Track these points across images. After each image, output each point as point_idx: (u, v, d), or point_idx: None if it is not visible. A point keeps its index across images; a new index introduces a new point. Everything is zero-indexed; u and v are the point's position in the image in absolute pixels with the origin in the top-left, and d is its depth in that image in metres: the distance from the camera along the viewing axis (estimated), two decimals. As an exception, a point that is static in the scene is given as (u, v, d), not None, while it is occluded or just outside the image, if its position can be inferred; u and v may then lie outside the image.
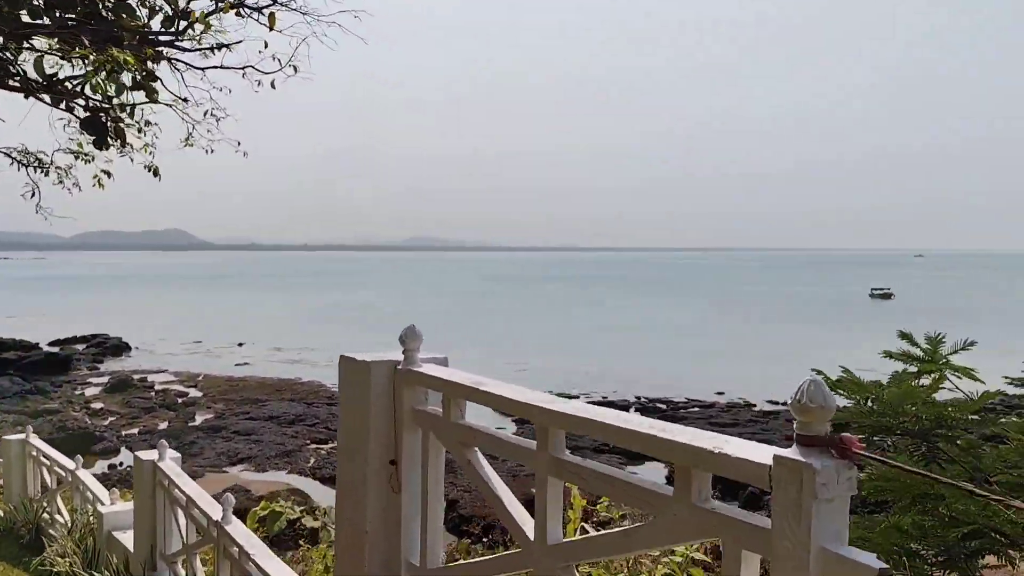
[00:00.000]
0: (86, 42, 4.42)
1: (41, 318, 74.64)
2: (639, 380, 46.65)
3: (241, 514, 20.90)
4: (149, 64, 5.01)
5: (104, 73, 4.25)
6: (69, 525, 7.78)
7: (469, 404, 2.52)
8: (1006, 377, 5.61)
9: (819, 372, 5.51)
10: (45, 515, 8.75)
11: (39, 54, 5.10)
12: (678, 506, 1.75)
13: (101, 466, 27.70)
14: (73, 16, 4.99)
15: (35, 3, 4.86)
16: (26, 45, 5.31)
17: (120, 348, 54.68)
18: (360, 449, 2.81)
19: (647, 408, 41.12)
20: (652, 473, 22.10)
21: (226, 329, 67.58)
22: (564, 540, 2.12)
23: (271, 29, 6.13)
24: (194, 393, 40.26)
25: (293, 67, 6.38)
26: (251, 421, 33.91)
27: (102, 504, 6.98)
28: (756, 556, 1.65)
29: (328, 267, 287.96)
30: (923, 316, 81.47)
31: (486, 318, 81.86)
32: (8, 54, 5.47)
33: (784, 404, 41.39)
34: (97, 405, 36.82)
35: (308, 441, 31.54)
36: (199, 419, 34.63)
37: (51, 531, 8.18)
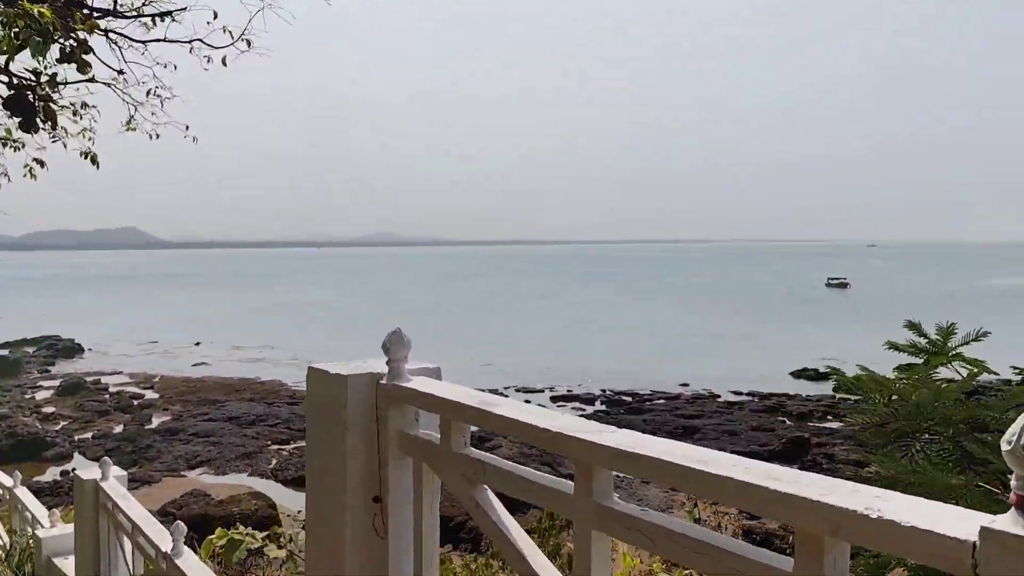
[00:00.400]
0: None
1: (-12, 320, 72.08)
2: (602, 373, 46.40)
3: (201, 521, 20.19)
4: (80, 35, 4.40)
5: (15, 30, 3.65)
6: (7, 548, 7.11)
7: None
8: (1014, 367, 5.27)
9: (835, 371, 5.09)
10: (-20, 538, 8.05)
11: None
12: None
13: (53, 472, 26.64)
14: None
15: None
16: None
17: (72, 350, 52.98)
18: (335, 483, 2.28)
19: (612, 400, 40.92)
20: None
21: (183, 328, 65.96)
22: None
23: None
24: (150, 395, 39.08)
25: (246, 41, 5.76)
26: (210, 422, 32.95)
27: (41, 527, 6.34)
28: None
29: (287, 264, 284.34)
30: (882, 305, 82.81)
31: (444, 314, 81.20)
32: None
33: (748, 395, 41.58)
34: (49, 409, 35.54)
35: (269, 442, 30.72)
36: (156, 422, 33.57)
37: (-13, 555, 7.50)
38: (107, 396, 38.35)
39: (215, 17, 5.54)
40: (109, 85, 5.92)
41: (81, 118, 6.08)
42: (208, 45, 5.76)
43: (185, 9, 5.62)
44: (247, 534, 4.19)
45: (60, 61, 4.68)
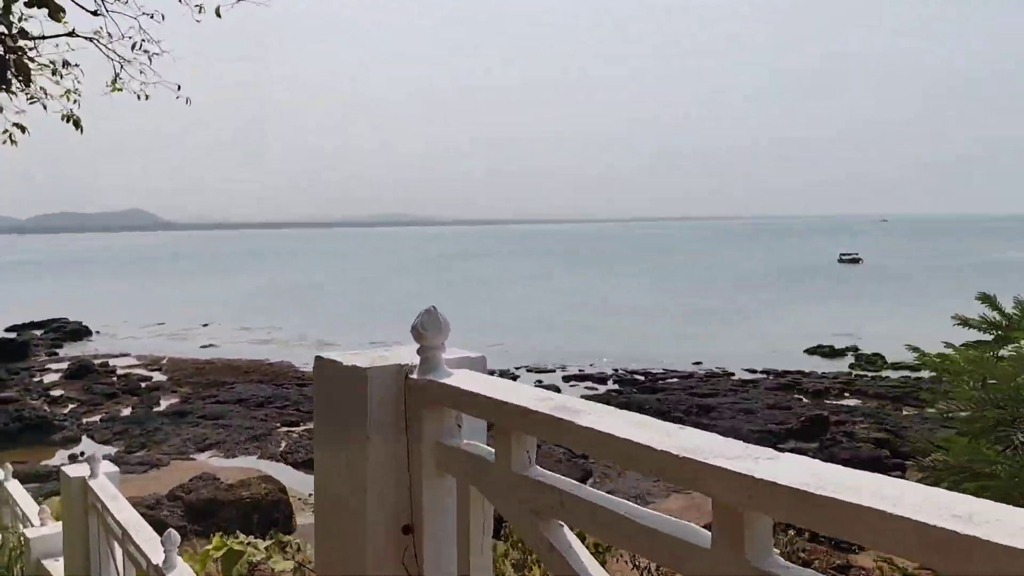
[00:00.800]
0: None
1: (-4, 303, 71.96)
2: (613, 352, 45.86)
3: (211, 506, 19.82)
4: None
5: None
6: (-3, 547, 6.68)
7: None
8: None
9: (915, 349, 4.54)
10: (-27, 531, 7.60)
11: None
12: None
13: (61, 456, 26.35)
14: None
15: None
16: None
17: (80, 332, 52.75)
18: (352, 507, 1.75)
19: (625, 380, 40.43)
20: None
21: (190, 310, 65.62)
22: None
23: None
24: (158, 377, 38.79)
25: (241, -10, 5.19)
26: (219, 405, 32.63)
27: (30, 524, 5.88)
28: None
29: (296, 245, 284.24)
30: (895, 280, 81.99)
31: (451, 294, 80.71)
32: None
33: (762, 372, 41.03)
34: (56, 392, 35.28)
35: (278, 424, 30.39)
36: (164, 404, 33.26)
37: (-21, 551, 7.06)
38: (115, 379, 38.08)
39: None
40: (91, 39, 5.35)
41: (62, 78, 5.53)
42: (198, -10, 5.16)
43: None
44: (248, 543, 3.69)
45: (28, 5, 4.11)
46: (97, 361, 41.47)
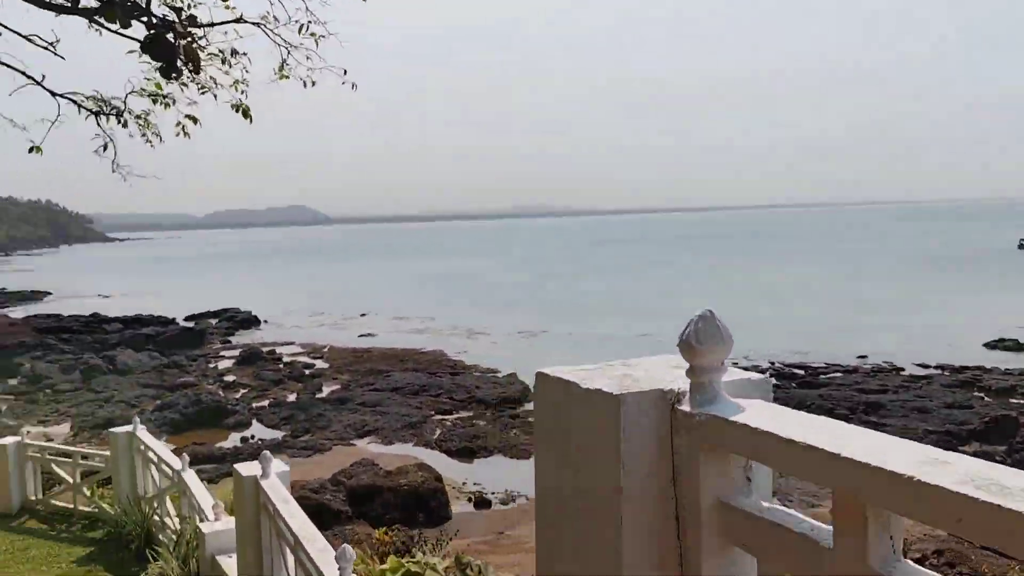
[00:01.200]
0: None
1: (177, 294, 78.26)
2: (770, 344, 43.61)
3: (371, 491, 20.32)
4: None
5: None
6: (175, 537, 6.81)
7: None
8: None
9: None
10: (156, 517, 7.85)
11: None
12: None
13: (234, 439, 27.93)
14: None
15: None
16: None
17: (250, 321, 56.10)
18: (598, 581, 1.29)
19: (782, 374, 38.34)
20: None
21: (349, 300, 68.59)
22: None
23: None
24: (320, 364, 40.53)
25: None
26: (376, 392, 33.61)
27: (205, 519, 5.91)
28: None
29: (448, 237, 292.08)
30: (1092, 267, 73.66)
31: (596, 282, 79.90)
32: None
33: (936, 368, 37.77)
34: (229, 378, 37.52)
35: (433, 412, 30.92)
36: (326, 391, 34.65)
37: (161, 536, 7.26)
38: (281, 366, 40.10)
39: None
40: (258, 24, 5.23)
41: (231, 67, 5.47)
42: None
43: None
44: (425, 564, 3.36)
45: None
46: (265, 348, 43.89)
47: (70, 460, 10.36)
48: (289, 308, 63.70)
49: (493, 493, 21.17)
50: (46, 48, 4.77)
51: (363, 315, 59.77)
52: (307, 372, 38.25)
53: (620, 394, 1.25)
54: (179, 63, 4.35)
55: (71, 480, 10.20)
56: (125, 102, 5.61)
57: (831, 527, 1.03)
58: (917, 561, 0.82)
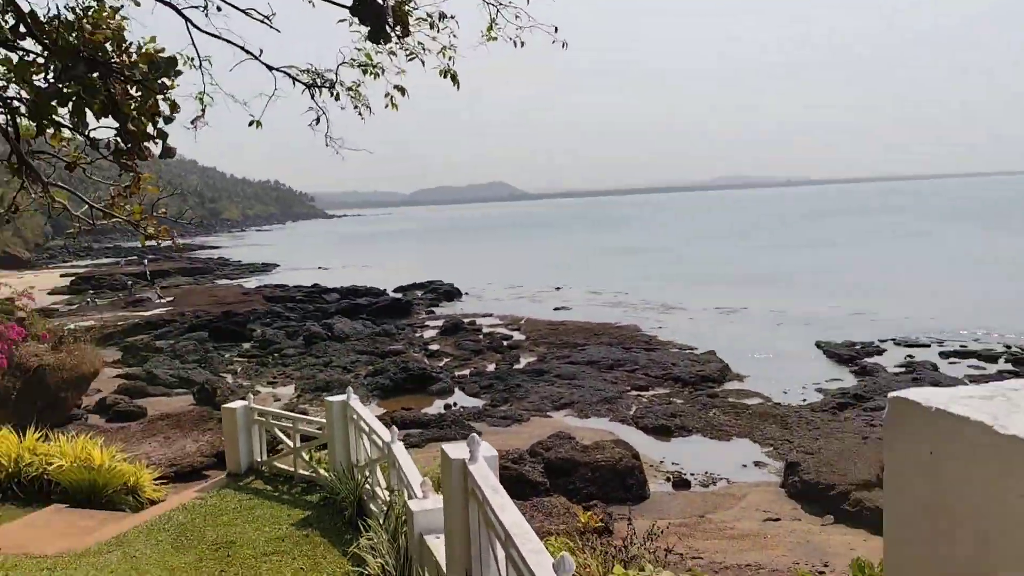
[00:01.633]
0: None
1: (387, 266, 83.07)
2: (1004, 323, 38.60)
3: (568, 465, 20.27)
4: None
5: None
6: (385, 509, 6.89)
7: None
8: None
9: None
10: (368, 486, 8.06)
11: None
12: None
13: (437, 406, 29.02)
14: None
15: None
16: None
17: (452, 294, 58.25)
18: None
19: (1020, 359, 33.99)
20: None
21: (544, 274, 69.45)
22: None
23: None
24: (517, 336, 41.23)
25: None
26: (571, 365, 33.61)
27: (414, 496, 5.88)
28: None
29: (638, 210, 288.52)
30: None
31: (800, 257, 75.21)
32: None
33: None
34: (434, 347, 39.07)
35: (628, 387, 30.42)
36: (523, 362, 35.16)
37: (372, 506, 7.41)
38: (481, 336, 41.19)
39: None
40: (465, -18, 5.00)
41: (439, 31, 5.28)
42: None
43: None
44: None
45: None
46: (466, 320, 45.34)
47: (291, 425, 11.01)
48: (488, 281, 65.54)
49: (692, 474, 20.38)
50: (262, 21, 4.83)
51: (558, 288, 60.21)
52: (505, 343, 39.00)
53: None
54: (387, 26, 4.19)
55: (291, 444, 10.84)
56: (336, 73, 5.65)
57: None
58: None
